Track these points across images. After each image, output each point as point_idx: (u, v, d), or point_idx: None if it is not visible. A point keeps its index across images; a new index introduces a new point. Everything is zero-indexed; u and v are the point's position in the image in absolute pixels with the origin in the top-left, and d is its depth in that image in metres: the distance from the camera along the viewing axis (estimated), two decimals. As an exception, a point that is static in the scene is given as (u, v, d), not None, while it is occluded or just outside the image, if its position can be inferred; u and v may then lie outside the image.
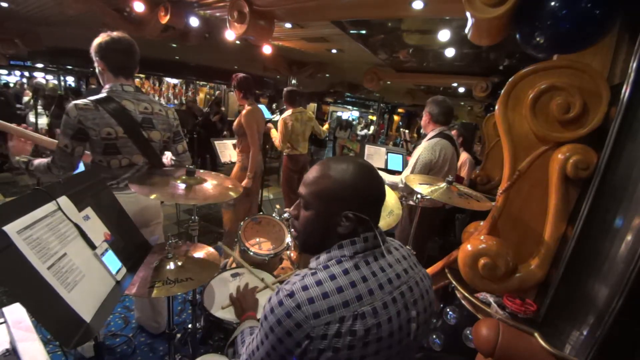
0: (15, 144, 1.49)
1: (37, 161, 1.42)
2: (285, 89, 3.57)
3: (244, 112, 2.71)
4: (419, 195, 1.71)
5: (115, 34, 1.47)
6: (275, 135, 3.54)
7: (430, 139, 2.21)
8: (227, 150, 3.12)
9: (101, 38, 1.45)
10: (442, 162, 2.13)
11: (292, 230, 0.81)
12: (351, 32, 3.62)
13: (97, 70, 1.50)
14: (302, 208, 0.75)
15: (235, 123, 2.79)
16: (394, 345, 0.69)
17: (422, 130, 2.44)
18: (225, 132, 6.85)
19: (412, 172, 2.11)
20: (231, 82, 2.77)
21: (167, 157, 1.76)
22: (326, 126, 6.84)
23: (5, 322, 0.93)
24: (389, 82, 6.11)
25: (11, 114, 5.36)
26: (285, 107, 3.62)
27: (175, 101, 10.78)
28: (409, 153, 3.82)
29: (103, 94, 1.44)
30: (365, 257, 0.70)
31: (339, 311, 0.63)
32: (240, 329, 1.02)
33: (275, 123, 3.70)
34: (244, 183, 2.62)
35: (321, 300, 0.63)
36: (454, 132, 2.45)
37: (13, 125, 1.50)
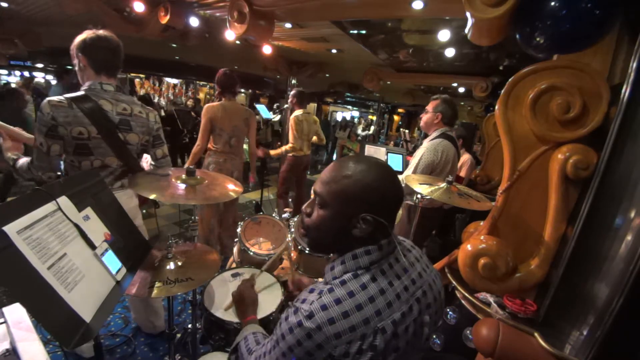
0: (5, 142, 1.49)
1: (21, 161, 1.40)
2: (296, 90, 3.60)
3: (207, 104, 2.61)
4: (418, 195, 1.71)
5: (101, 31, 1.44)
6: (278, 151, 3.54)
7: (432, 139, 2.19)
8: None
9: (86, 34, 1.42)
10: (444, 163, 2.13)
11: (301, 229, 0.78)
12: (351, 32, 3.61)
13: (77, 67, 1.47)
14: (318, 206, 0.73)
15: None
16: (408, 351, 0.69)
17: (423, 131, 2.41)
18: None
19: (414, 173, 2.11)
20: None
21: (147, 161, 1.71)
22: None
23: (5, 322, 0.93)
24: (389, 82, 6.11)
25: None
26: (291, 107, 3.65)
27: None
28: (409, 153, 3.83)
29: (80, 92, 1.41)
30: (380, 266, 0.69)
31: (360, 329, 0.62)
32: (242, 334, 1.00)
33: (275, 123, 3.72)
34: None
35: (342, 320, 0.62)
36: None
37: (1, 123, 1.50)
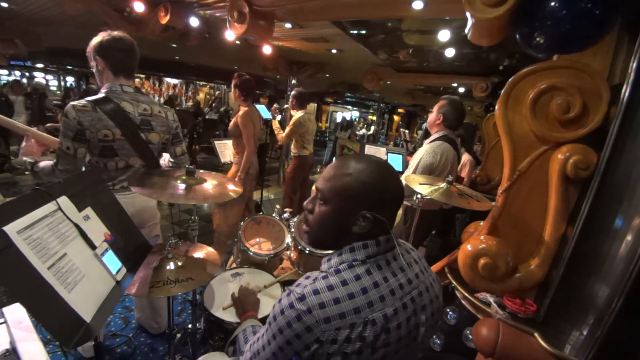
0: (28, 145, 1.49)
1: (43, 163, 1.41)
2: (296, 90, 3.60)
3: (240, 112, 2.70)
4: (418, 196, 1.70)
5: (116, 33, 1.45)
6: (277, 127, 3.64)
7: (432, 141, 2.16)
8: (227, 150, 3.13)
9: (102, 37, 1.43)
10: (442, 166, 2.10)
11: (304, 225, 0.79)
12: (351, 32, 3.62)
13: (95, 70, 1.48)
14: (319, 202, 0.74)
15: (231, 123, 2.79)
16: (400, 349, 0.69)
17: (424, 124, 2.40)
18: (217, 132, 6.88)
19: (412, 174, 2.10)
20: (232, 81, 2.74)
21: (165, 159, 1.73)
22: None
23: (5, 322, 0.93)
24: (389, 82, 6.11)
25: (11, 114, 5.37)
26: (291, 107, 3.67)
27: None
28: (409, 153, 3.83)
29: (101, 95, 1.42)
30: (377, 262, 0.70)
31: (349, 317, 0.63)
32: (241, 327, 1.02)
33: (276, 123, 3.74)
34: None
35: (332, 305, 0.63)
36: None
37: (28, 127, 1.53)
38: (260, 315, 1.23)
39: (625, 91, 1.01)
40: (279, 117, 3.97)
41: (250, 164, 2.80)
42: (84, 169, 1.52)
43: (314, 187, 2.02)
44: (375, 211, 0.68)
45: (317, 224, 0.74)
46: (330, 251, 0.76)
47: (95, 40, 1.44)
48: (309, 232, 0.77)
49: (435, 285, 0.79)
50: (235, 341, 0.98)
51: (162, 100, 11.08)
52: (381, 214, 0.68)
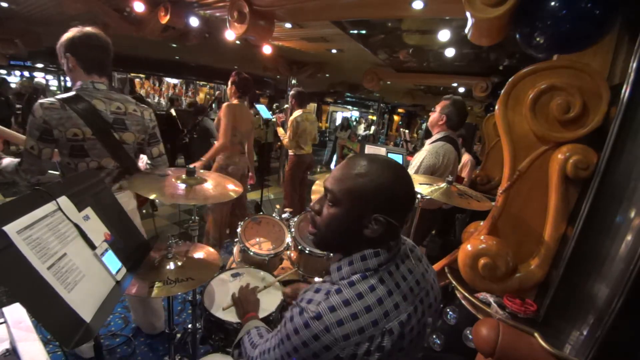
0: None
1: (6, 161, 1.36)
2: (294, 90, 3.60)
3: (225, 103, 2.62)
4: (418, 196, 1.70)
5: (88, 29, 1.39)
6: (282, 133, 3.62)
7: (434, 141, 2.15)
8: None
9: (72, 33, 1.36)
10: (444, 166, 2.10)
11: (310, 226, 0.76)
12: (351, 32, 3.62)
13: (66, 67, 1.41)
14: (328, 204, 0.70)
15: (216, 118, 2.70)
16: (410, 351, 0.69)
17: (425, 124, 2.38)
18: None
19: (414, 174, 2.10)
20: (230, 78, 2.70)
21: (143, 161, 1.67)
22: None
23: (5, 322, 0.93)
24: (389, 82, 6.11)
25: (11, 113, 5.38)
26: (291, 107, 3.67)
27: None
28: (409, 153, 3.83)
29: (72, 93, 1.37)
30: (388, 268, 0.68)
31: (368, 331, 0.62)
32: (245, 329, 1.00)
33: (275, 123, 3.75)
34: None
35: (350, 321, 0.61)
36: None
37: None
38: (260, 315, 1.23)
39: (625, 91, 1.01)
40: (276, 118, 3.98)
41: (231, 162, 2.66)
42: (59, 170, 1.45)
43: (313, 188, 2.01)
44: (387, 213, 0.65)
45: (325, 226, 0.71)
46: (330, 252, 0.75)
47: (66, 36, 1.37)
48: (317, 234, 0.74)
49: (437, 282, 0.80)
50: (239, 344, 0.96)
51: (162, 100, 11.08)
52: (393, 216, 0.66)
